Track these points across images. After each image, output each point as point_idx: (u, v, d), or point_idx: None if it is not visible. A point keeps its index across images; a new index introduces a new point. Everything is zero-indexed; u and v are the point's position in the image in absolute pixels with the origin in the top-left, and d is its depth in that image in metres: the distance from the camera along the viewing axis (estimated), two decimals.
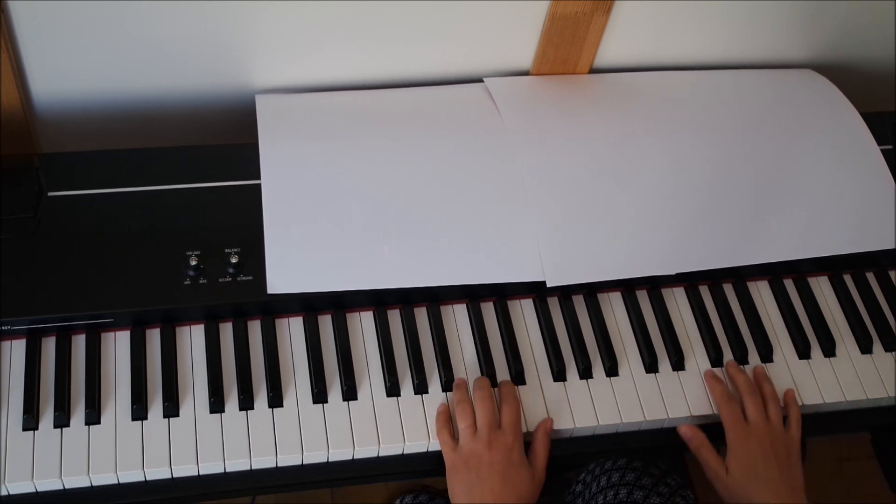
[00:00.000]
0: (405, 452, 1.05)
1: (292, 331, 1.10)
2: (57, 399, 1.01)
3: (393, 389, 1.06)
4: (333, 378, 1.07)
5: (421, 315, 1.13)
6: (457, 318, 1.13)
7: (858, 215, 1.21)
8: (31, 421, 1.00)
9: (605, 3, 1.19)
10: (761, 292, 1.20)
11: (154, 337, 1.07)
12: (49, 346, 1.05)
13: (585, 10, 1.20)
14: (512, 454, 1.01)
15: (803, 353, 1.16)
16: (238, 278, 1.07)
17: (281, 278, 1.07)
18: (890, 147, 1.28)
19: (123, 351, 1.06)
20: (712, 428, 1.09)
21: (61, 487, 0.98)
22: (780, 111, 1.28)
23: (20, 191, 1.09)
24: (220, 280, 1.06)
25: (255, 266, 1.07)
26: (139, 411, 1.02)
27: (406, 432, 1.04)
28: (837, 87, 1.33)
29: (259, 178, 1.13)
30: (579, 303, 1.16)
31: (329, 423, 1.04)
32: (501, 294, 1.14)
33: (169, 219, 1.10)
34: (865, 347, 1.17)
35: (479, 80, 1.28)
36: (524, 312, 1.15)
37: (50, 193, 1.10)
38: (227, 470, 1.01)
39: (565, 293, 1.16)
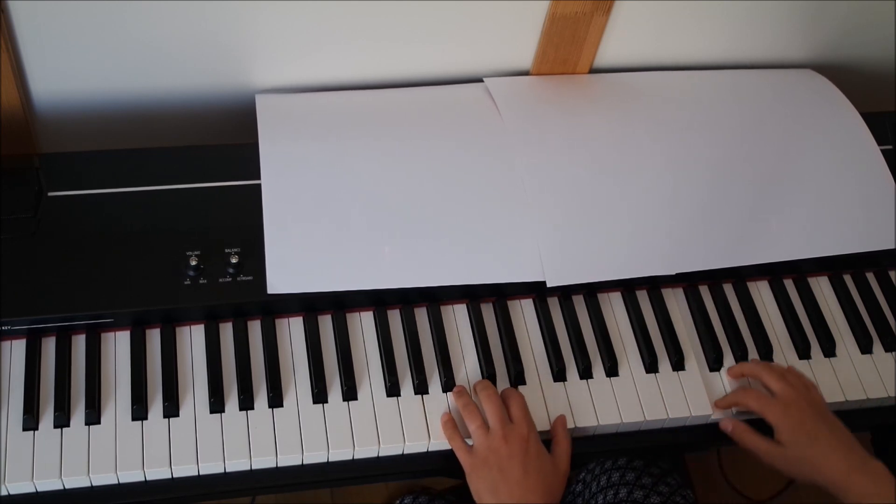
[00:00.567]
0: (405, 452, 1.05)
1: (292, 331, 1.10)
2: (57, 399, 1.01)
3: (393, 389, 1.06)
4: (333, 378, 1.07)
5: (421, 315, 1.13)
6: (457, 318, 1.13)
7: (858, 215, 1.21)
8: (31, 421, 1.00)
9: (605, 3, 1.19)
10: (761, 292, 1.20)
11: (154, 337, 1.07)
12: (49, 346, 1.05)
13: (585, 10, 1.20)
14: (529, 444, 1.01)
15: (803, 353, 1.16)
16: (238, 278, 1.07)
17: (281, 278, 1.07)
18: (890, 147, 1.28)
19: (123, 351, 1.06)
20: (713, 427, 1.09)
21: (61, 487, 0.98)
22: (780, 111, 1.28)
23: (20, 191, 1.09)
24: (220, 280, 1.06)
25: (255, 266, 1.07)
26: (139, 411, 1.02)
27: (406, 432, 1.04)
28: (837, 87, 1.33)
29: (259, 178, 1.13)
30: (579, 303, 1.16)
31: (329, 423, 1.04)
32: (501, 294, 1.14)
33: (169, 219, 1.10)
34: (865, 347, 1.17)
35: (479, 80, 1.28)
36: (524, 312, 1.15)
37: (50, 193, 1.10)
38: (227, 470, 1.01)
39: (565, 293, 1.16)
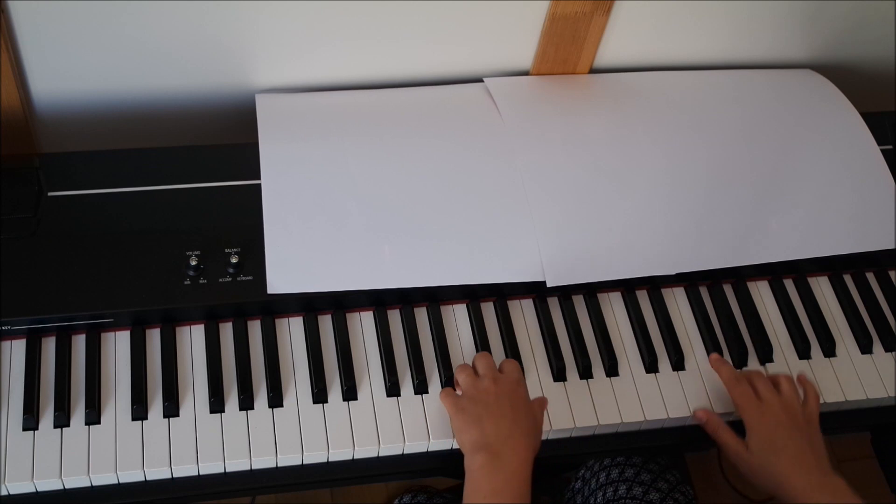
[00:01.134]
0: (405, 452, 1.05)
1: (292, 331, 1.10)
2: (57, 399, 1.01)
3: (393, 389, 1.06)
4: (333, 378, 1.07)
5: (421, 315, 1.13)
6: (457, 318, 1.13)
7: (858, 215, 1.21)
8: (31, 421, 1.00)
9: (605, 3, 1.19)
10: (761, 292, 1.20)
11: (154, 337, 1.07)
12: (49, 346, 1.05)
13: (585, 10, 1.20)
14: (518, 388, 1.01)
15: (803, 353, 1.16)
16: (238, 278, 1.07)
17: (281, 278, 1.07)
18: (890, 147, 1.28)
19: (123, 351, 1.06)
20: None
21: (61, 487, 0.98)
22: (780, 111, 1.28)
23: (20, 191, 1.09)
24: (220, 280, 1.06)
25: (255, 266, 1.07)
26: (139, 411, 1.02)
27: (406, 432, 1.04)
28: (837, 87, 1.33)
29: (259, 178, 1.13)
30: (579, 303, 1.16)
31: (329, 423, 1.04)
32: (501, 294, 1.14)
33: (169, 219, 1.10)
34: (865, 347, 1.17)
35: (479, 80, 1.28)
36: (524, 312, 1.15)
37: (50, 193, 1.10)
38: (227, 470, 1.01)
39: (565, 293, 1.16)
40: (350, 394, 1.06)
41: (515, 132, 1.20)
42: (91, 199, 1.10)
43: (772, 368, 1.14)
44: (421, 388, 1.07)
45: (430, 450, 1.05)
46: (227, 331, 1.08)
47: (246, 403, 1.03)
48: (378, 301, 1.11)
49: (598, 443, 1.10)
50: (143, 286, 1.05)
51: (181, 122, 1.26)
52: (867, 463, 1.65)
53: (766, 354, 1.15)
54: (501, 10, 1.20)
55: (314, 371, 1.06)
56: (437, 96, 1.25)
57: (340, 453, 1.03)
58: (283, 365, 1.07)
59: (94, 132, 1.24)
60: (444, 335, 1.11)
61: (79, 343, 1.06)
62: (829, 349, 1.16)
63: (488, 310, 1.14)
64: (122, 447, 1.00)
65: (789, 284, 1.21)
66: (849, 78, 1.38)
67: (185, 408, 1.03)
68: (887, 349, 1.17)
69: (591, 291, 1.16)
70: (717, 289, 1.19)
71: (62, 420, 1.00)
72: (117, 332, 1.07)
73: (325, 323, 1.10)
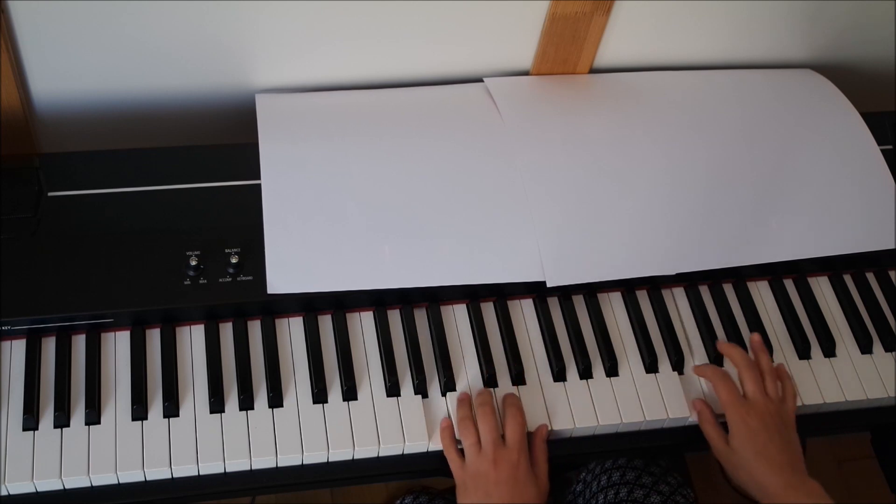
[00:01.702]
0: (405, 452, 1.05)
1: (292, 331, 1.10)
2: (57, 399, 1.01)
3: (393, 389, 1.06)
4: (333, 378, 1.07)
5: (421, 315, 1.13)
6: (457, 318, 1.13)
7: (858, 215, 1.21)
8: (31, 421, 1.00)
9: (605, 3, 1.19)
10: (761, 292, 1.20)
11: (154, 337, 1.07)
12: (49, 346, 1.05)
13: (585, 10, 1.20)
14: (518, 471, 1.01)
15: (803, 353, 1.16)
16: (238, 278, 1.07)
17: (281, 278, 1.07)
18: (890, 147, 1.28)
19: (123, 351, 1.06)
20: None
21: (61, 487, 0.98)
22: (780, 111, 1.28)
23: (20, 191, 1.09)
24: (220, 280, 1.06)
25: (255, 266, 1.07)
26: (139, 411, 1.02)
27: (406, 432, 1.04)
28: (837, 87, 1.33)
29: (259, 178, 1.13)
30: (579, 303, 1.16)
31: (329, 423, 1.04)
32: (501, 294, 1.14)
33: (169, 219, 1.10)
34: (865, 347, 1.17)
35: (479, 80, 1.28)
36: (524, 312, 1.15)
37: (50, 193, 1.10)
38: (227, 470, 1.01)
39: (565, 293, 1.15)
40: (350, 394, 1.06)
41: (515, 132, 1.20)
42: (91, 199, 1.10)
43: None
44: (421, 388, 1.07)
45: (430, 450, 1.05)
46: (227, 331, 1.08)
47: (246, 403, 1.03)
48: (378, 301, 1.11)
49: (599, 443, 1.10)
50: (143, 286, 1.05)
51: (181, 122, 1.26)
52: (867, 463, 1.65)
53: None
54: (501, 10, 1.20)
55: (314, 371, 1.06)
56: (437, 96, 1.25)
57: (340, 453, 1.03)
58: (283, 365, 1.07)
59: (94, 132, 1.24)
60: (444, 335, 1.11)
61: (79, 343, 1.06)
62: (829, 349, 1.16)
63: (488, 310, 1.14)
64: (122, 447, 1.00)
65: (789, 284, 1.21)
66: (849, 78, 1.38)
67: (185, 408, 1.03)
68: (887, 349, 1.17)
69: (591, 291, 1.16)
70: (717, 289, 1.19)
71: (62, 420, 1.00)
72: (117, 332, 1.07)
73: (325, 323, 1.10)
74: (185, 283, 1.06)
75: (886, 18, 1.34)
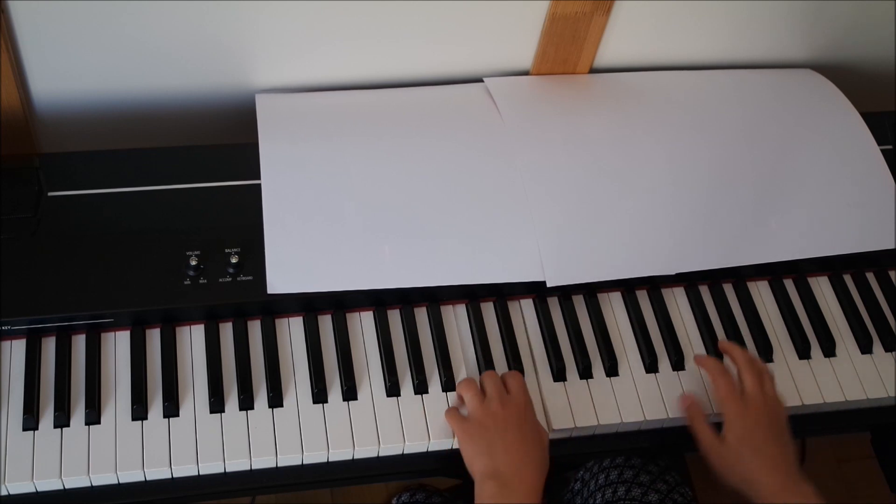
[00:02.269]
0: (405, 452, 1.05)
1: (292, 331, 1.10)
2: (57, 399, 1.01)
3: (393, 389, 1.06)
4: (333, 378, 1.07)
5: (421, 315, 1.13)
6: (457, 318, 1.13)
7: (858, 215, 1.21)
8: (31, 421, 1.00)
9: (605, 3, 1.19)
10: (761, 292, 1.20)
11: (154, 337, 1.07)
12: (49, 346, 1.05)
13: (585, 10, 1.20)
14: (527, 413, 1.01)
15: (803, 353, 1.16)
16: (238, 278, 1.07)
17: (281, 278, 1.07)
18: (890, 147, 1.28)
19: (123, 351, 1.06)
20: (715, 427, 1.09)
21: (61, 487, 0.98)
22: (780, 111, 1.29)
23: (20, 191, 1.09)
24: (220, 280, 1.06)
25: (255, 266, 1.07)
26: (139, 411, 1.02)
27: (406, 432, 1.04)
28: (837, 87, 1.33)
29: (259, 178, 1.13)
30: (579, 303, 1.16)
31: (329, 423, 1.04)
32: (501, 294, 1.14)
33: (169, 219, 1.10)
34: (865, 347, 1.17)
35: (479, 80, 1.28)
36: (524, 312, 1.15)
37: (50, 193, 1.10)
38: (227, 470, 1.01)
39: (565, 293, 1.16)
40: (350, 394, 1.06)
41: (515, 132, 1.20)
42: (91, 199, 1.10)
43: (771, 368, 1.14)
44: (421, 388, 1.07)
45: (429, 450, 1.05)
46: (227, 331, 1.08)
47: (246, 403, 1.03)
48: (378, 301, 1.11)
49: (598, 443, 1.10)
50: (143, 286, 1.05)
51: (181, 122, 1.26)
52: (867, 463, 1.66)
53: (766, 354, 1.15)
54: (501, 10, 1.20)
55: (314, 371, 1.06)
56: (437, 96, 1.25)
57: (340, 453, 1.03)
58: (283, 365, 1.07)
59: (94, 132, 1.24)
60: (444, 335, 1.11)
61: (79, 343, 1.06)
62: (829, 349, 1.16)
63: (488, 310, 1.14)
64: (122, 447, 1.00)
65: (789, 284, 1.21)
66: (849, 78, 1.38)
67: (185, 408, 1.03)
68: (887, 349, 1.17)
69: (591, 291, 1.16)
70: (717, 289, 1.19)
71: (62, 420, 1.00)
72: (117, 332, 1.07)
73: (325, 323, 1.10)
74: (185, 283, 1.06)
75: (886, 18, 1.34)
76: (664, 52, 1.31)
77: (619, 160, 1.19)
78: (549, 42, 1.24)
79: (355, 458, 1.04)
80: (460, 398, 1.05)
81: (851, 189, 1.23)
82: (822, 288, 1.22)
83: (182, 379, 1.05)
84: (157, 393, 1.03)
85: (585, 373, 1.11)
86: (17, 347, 1.04)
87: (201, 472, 1.01)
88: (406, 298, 1.12)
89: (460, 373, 1.09)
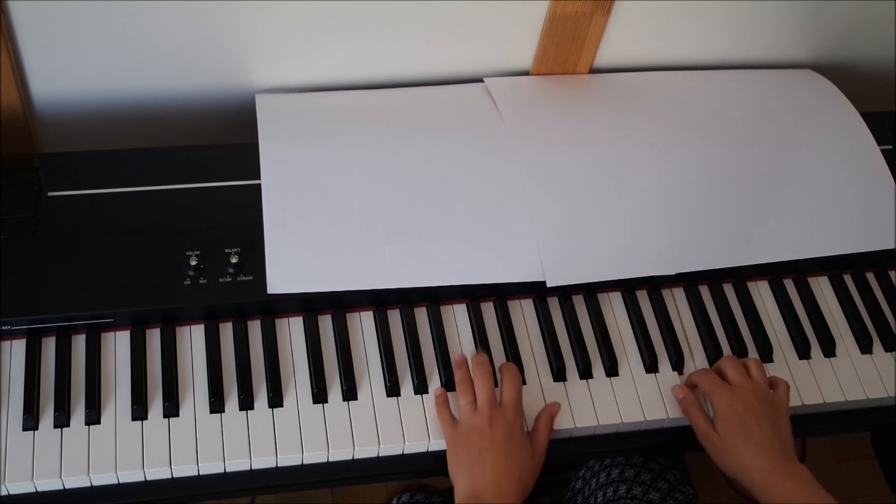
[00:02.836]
0: (405, 452, 1.05)
1: (292, 331, 1.10)
2: (57, 399, 1.01)
3: (393, 389, 1.06)
4: (333, 378, 1.07)
5: (421, 315, 1.13)
6: (457, 318, 1.13)
7: (858, 215, 1.21)
8: (31, 421, 1.00)
9: (605, 3, 1.19)
10: (761, 292, 1.20)
11: (154, 337, 1.07)
12: (49, 346, 1.05)
13: (585, 10, 1.20)
14: (513, 431, 1.01)
15: (803, 353, 1.16)
16: (238, 278, 1.07)
17: (281, 278, 1.07)
18: (890, 147, 1.28)
19: (123, 351, 1.06)
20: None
21: (61, 487, 0.98)
22: (780, 111, 1.28)
23: (20, 191, 1.09)
24: (220, 280, 1.06)
25: (255, 266, 1.07)
26: (139, 411, 1.02)
27: (406, 432, 1.04)
28: (837, 87, 1.33)
29: (259, 178, 1.13)
30: (579, 303, 1.16)
31: (329, 423, 1.04)
32: (501, 294, 1.14)
33: (169, 219, 1.10)
34: (865, 347, 1.17)
35: (479, 80, 1.28)
36: (524, 312, 1.15)
37: (50, 193, 1.10)
38: (227, 470, 1.01)
39: (565, 293, 1.16)
40: (350, 394, 1.06)
41: (515, 132, 1.20)
42: (91, 199, 1.10)
43: (772, 368, 1.14)
44: (421, 388, 1.07)
45: (429, 450, 1.05)
46: (227, 331, 1.08)
47: (246, 403, 1.03)
48: (378, 301, 1.11)
49: (599, 443, 1.10)
50: (143, 286, 1.05)
51: (181, 122, 1.26)
52: (867, 463, 1.66)
53: (766, 354, 1.15)
54: (501, 10, 1.20)
55: (314, 371, 1.06)
56: (437, 96, 1.25)
57: (340, 453, 1.03)
58: (283, 365, 1.07)
59: (94, 132, 1.24)
60: (444, 335, 1.11)
61: (79, 343, 1.06)
62: (829, 349, 1.16)
63: (488, 310, 1.14)
64: (122, 447, 1.00)
65: (789, 284, 1.21)
66: (849, 78, 1.38)
67: (185, 408, 1.03)
68: (887, 349, 1.17)
69: (591, 291, 1.16)
70: (717, 289, 1.19)
71: (62, 420, 1.00)
72: (117, 332, 1.07)
73: (325, 323, 1.10)
74: (185, 283, 1.06)
75: (886, 18, 1.34)
76: (664, 52, 1.31)
77: (619, 160, 1.19)
78: (549, 42, 1.24)
79: (355, 458, 1.04)
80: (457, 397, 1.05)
81: (851, 189, 1.23)
82: (822, 288, 1.22)
83: (182, 379, 1.05)
84: (157, 393, 1.03)
85: (585, 373, 1.11)
86: (17, 347, 1.04)
87: (201, 472, 1.01)
88: (406, 298, 1.12)
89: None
